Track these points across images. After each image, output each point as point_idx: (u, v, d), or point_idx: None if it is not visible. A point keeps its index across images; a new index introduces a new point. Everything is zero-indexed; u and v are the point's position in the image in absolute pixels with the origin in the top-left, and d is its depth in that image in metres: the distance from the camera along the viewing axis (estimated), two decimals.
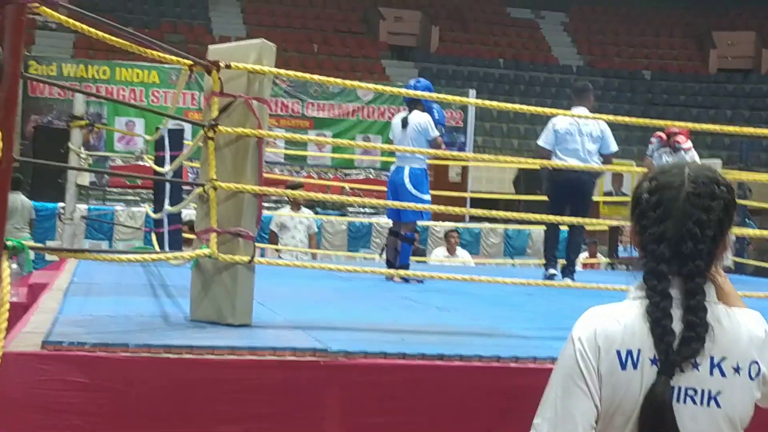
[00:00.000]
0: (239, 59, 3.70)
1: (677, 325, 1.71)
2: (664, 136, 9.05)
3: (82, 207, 11.76)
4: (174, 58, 3.71)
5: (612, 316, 1.76)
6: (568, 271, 7.55)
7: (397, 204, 6.77)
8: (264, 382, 3.06)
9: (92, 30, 3.28)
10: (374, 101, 17.73)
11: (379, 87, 5.64)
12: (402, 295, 5.75)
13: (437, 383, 3.18)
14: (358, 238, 13.14)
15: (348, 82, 4.28)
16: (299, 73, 4.10)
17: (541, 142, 7.71)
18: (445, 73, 26.00)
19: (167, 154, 5.84)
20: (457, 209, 5.01)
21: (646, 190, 1.80)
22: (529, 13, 30.12)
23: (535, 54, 28.22)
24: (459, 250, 10.93)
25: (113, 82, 17.09)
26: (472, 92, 19.08)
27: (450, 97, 6.47)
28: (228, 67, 3.67)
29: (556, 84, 26.54)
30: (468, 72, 26.37)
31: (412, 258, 10.31)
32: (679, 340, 1.69)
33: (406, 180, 7.09)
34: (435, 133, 7.12)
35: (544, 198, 13.35)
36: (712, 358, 1.71)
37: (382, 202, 7.28)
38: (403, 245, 7.32)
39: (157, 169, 6.57)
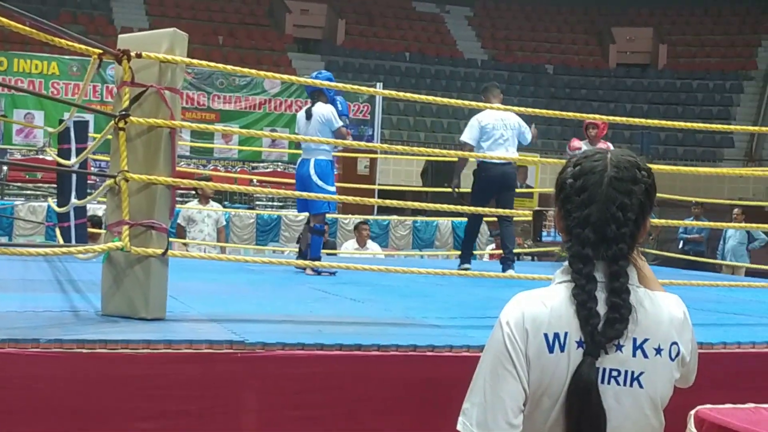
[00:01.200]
0: (151, 48, 3.64)
1: (602, 308, 1.74)
2: (581, 145, 9.06)
3: None
4: (82, 46, 3.62)
5: (539, 300, 1.79)
6: (510, 261, 7.59)
7: (304, 195, 6.75)
8: (181, 376, 3.02)
9: None
10: (281, 94, 17.57)
11: (286, 77, 5.72)
12: (315, 287, 5.74)
13: (355, 373, 3.19)
14: (266, 231, 13.04)
15: (262, 73, 4.25)
16: (212, 64, 4.04)
17: (465, 138, 7.67)
18: (352, 66, 26.02)
19: (73, 146, 5.69)
20: (372, 201, 5.03)
21: (570, 175, 1.83)
22: (434, 8, 30.36)
23: (441, 48, 28.47)
24: (369, 243, 10.94)
25: (10, 73, 16.49)
26: (379, 85, 19.11)
27: (359, 87, 6.47)
28: (139, 56, 3.60)
29: (462, 78, 26.83)
30: (374, 65, 26.46)
31: (323, 251, 10.30)
32: (604, 322, 1.73)
33: (312, 171, 7.08)
34: (338, 123, 7.12)
35: (452, 190, 13.45)
36: (635, 340, 1.75)
37: (289, 193, 7.23)
38: (313, 237, 7.30)
39: (62, 161, 6.40)
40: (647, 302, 1.79)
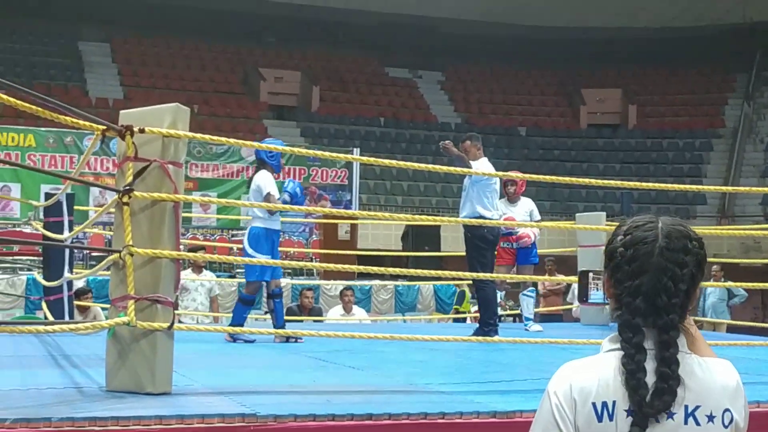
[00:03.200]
0: (153, 123, 3.68)
1: (651, 377, 1.76)
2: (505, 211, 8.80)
3: None
4: (87, 123, 3.65)
5: (586, 369, 1.80)
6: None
7: (239, 260, 6.85)
8: None
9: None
10: None
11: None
12: (310, 356, 5.71)
13: None
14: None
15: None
16: (215, 138, 4.09)
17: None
18: (327, 132, 26.22)
19: (65, 219, 5.69)
20: (351, 267, 5.05)
21: (621, 244, 1.85)
22: (407, 73, 30.76)
23: (414, 112, 28.78)
24: (355, 308, 10.91)
25: None
26: (356, 150, 19.27)
27: (336, 155, 6.49)
28: (142, 131, 3.64)
29: (436, 141, 26.96)
30: (350, 131, 26.67)
31: (309, 318, 10.26)
32: (652, 392, 1.74)
33: (245, 240, 7.04)
34: (267, 190, 6.89)
35: (432, 254, 13.40)
36: (686, 407, 1.76)
37: (239, 259, 7.15)
38: (236, 305, 7.19)
39: (50, 235, 6.39)
40: (698, 369, 1.80)
